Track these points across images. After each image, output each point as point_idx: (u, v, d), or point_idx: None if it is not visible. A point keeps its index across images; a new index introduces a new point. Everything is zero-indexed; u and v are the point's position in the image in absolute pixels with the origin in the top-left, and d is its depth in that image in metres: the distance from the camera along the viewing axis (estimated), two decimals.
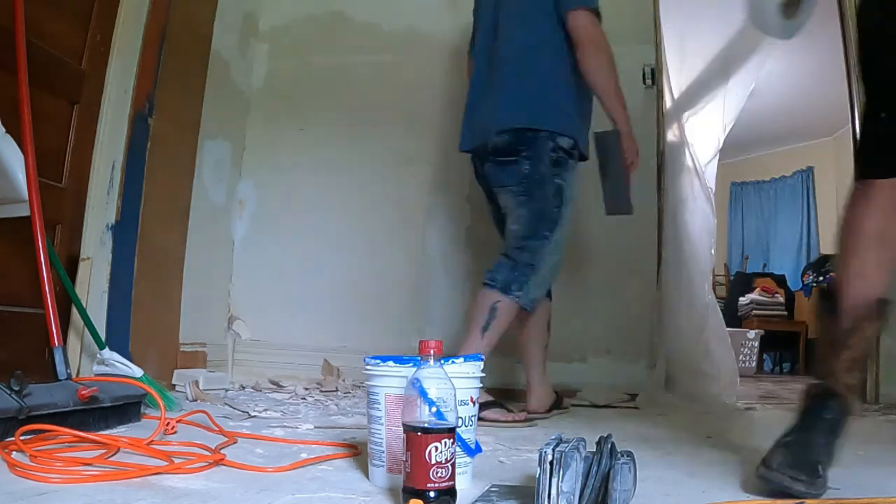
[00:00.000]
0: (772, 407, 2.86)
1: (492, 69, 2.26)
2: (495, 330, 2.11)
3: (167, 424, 1.49)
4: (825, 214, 7.23)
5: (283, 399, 2.50)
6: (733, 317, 6.10)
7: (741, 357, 5.36)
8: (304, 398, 2.53)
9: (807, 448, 1.12)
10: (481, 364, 1.20)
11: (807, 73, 5.55)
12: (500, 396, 2.73)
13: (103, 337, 2.07)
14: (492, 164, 2.22)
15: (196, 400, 2.31)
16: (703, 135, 3.16)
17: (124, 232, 2.32)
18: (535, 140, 2.15)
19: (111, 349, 2.03)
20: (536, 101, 2.19)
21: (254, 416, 1.99)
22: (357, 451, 1.39)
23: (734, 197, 7.92)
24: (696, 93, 3.17)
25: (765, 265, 7.22)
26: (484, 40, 2.36)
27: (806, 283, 6.16)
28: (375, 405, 1.14)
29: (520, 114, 2.18)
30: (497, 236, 2.42)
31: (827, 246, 6.95)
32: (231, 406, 2.18)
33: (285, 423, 1.83)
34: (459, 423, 1.06)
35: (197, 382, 2.44)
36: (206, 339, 2.87)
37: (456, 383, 1.00)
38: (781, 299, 6.19)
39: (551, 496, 0.89)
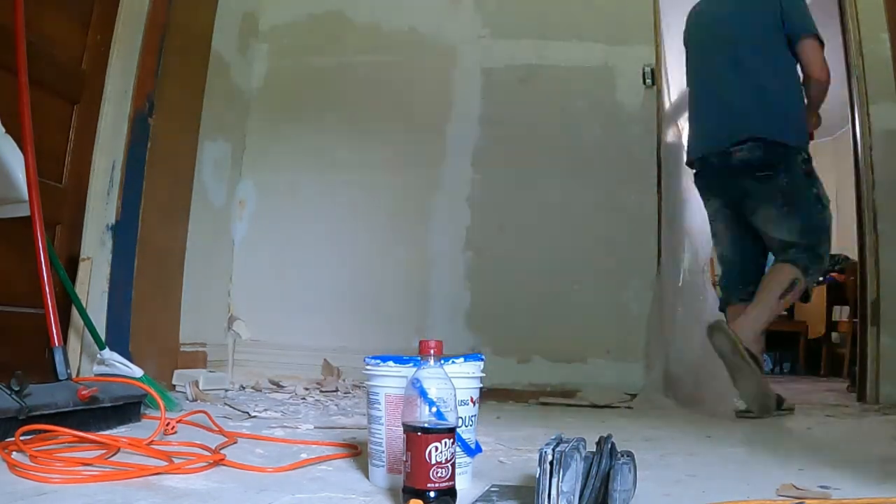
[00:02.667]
0: None
1: (728, 81, 2.43)
2: (785, 302, 2.36)
3: (167, 424, 1.49)
4: None
5: (283, 399, 2.50)
6: None
7: None
8: (304, 398, 2.53)
9: None
10: (481, 364, 1.20)
11: None
12: (499, 397, 2.73)
13: (103, 337, 2.07)
14: (751, 181, 2.38)
15: (196, 400, 2.31)
16: None
17: (124, 232, 2.32)
18: (786, 155, 2.35)
19: (111, 349, 2.03)
20: (787, 115, 2.40)
21: (254, 417, 1.99)
22: (357, 451, 1.39)
23: None
24: None
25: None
26: (712, 60, 2.51)
27: None
28: (375, 405, 1.14)
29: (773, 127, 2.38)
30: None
31: None
32: (231, 406, 2.18)
33: (285, 424, 1.83)
34: (459, 423, 1.06)
35: (197, 382, 2.44)
36: (206, 340, 2.87)
37: (456, 383, 1.00)
38: None
39: (551, 496, 0.89)
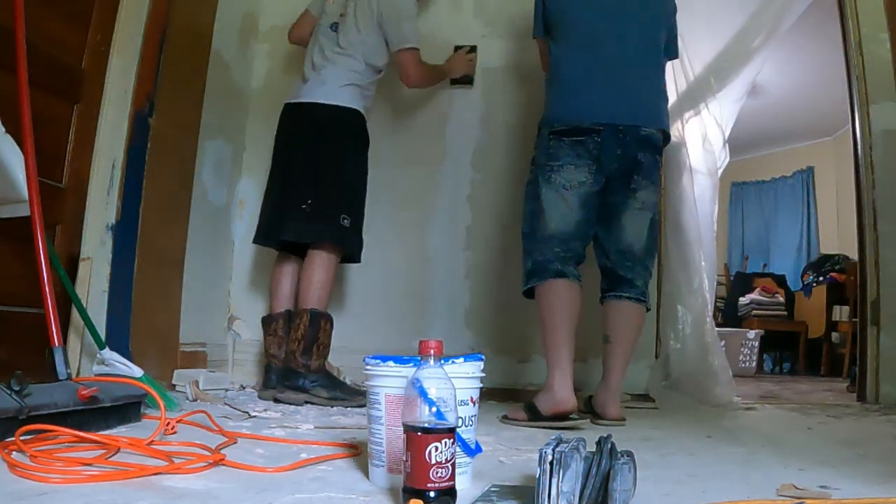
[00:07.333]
0: (772, 407, 2.86)
1: (621, 58, 2.23)
2: None
3: (167, 424, 1.49)
4: (825, 214, 7.23)
5: None
6: (733, 317, 6.10)
7: (741, 357, 5.35)
8: None
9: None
10: (481, 364, 1.20)
11: (807, 73, 5.55)
12: (499, 397, 2.73)
13: (103, 337, 2.07)
14: (648, 155, 2.23)
15: (196, 400, 2.31)
16: (703, 135, 3.17)
17: (124, 232, 2.31)
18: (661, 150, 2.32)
19: (111, 349, 2.03)
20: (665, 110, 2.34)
21: (254, 417, 1.99)
22: (357, 451, 1.39)
23: (734, 197, 7.91)
24: (696, 93, 3.17)
25: (765, 265, 7.21)
26: (598, 25, 2.27)
27: (806, 283, 6.15)
28: (375, 405, 1.14)
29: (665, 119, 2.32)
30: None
31: (827, 246, 6.95)
32: (231, 406, 2.18)
33: (285, 424, 1.83)
34: (459, 423, 1.06)
35: (197, 382, 2.44)
36: (206, 339, 2.87)
37: (456, 383, 1.00)
38: (781, 299, 6.19)
39: (551, 496, 0.89)
